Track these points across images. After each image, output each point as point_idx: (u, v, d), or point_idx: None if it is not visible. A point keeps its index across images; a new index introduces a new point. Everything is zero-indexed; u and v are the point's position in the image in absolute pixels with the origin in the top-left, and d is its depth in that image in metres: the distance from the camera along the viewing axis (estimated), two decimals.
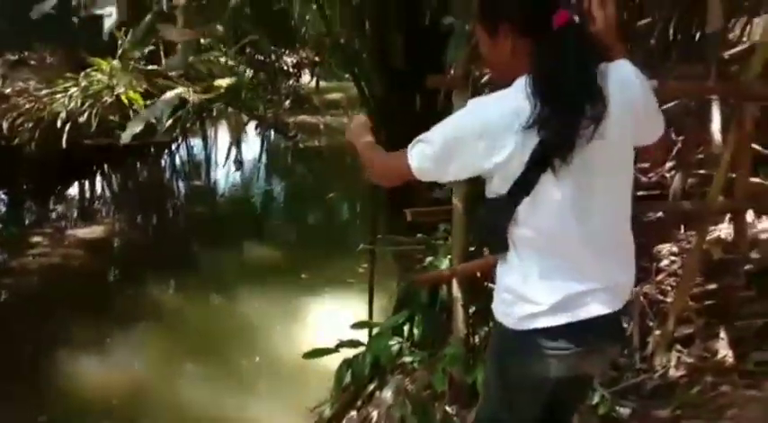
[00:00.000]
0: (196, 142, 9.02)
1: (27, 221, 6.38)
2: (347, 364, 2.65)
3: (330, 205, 6.93)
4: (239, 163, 8.06)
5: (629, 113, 1.36)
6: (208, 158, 8.79)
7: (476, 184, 1.62)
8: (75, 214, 6.64)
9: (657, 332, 2.45)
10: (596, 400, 2.23)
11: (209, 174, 8.42)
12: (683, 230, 3.07)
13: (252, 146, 9.31)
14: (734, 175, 2.13)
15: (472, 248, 2.38)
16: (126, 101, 4.25)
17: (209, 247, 5.92)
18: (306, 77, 8.72)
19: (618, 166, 1.40)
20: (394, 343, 2.56)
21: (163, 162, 8.51)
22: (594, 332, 1.44)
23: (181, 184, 8.14)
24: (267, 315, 4.53)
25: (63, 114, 3.88)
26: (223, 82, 2.83)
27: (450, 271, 2.32)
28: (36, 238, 5.82)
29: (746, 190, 2.15)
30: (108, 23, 2.29)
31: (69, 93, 3.93)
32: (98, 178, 7.62)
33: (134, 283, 5.16)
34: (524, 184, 1.33)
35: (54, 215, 6.55)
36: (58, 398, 3.61)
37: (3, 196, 6.73)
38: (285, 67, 7.62)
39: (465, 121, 1.36)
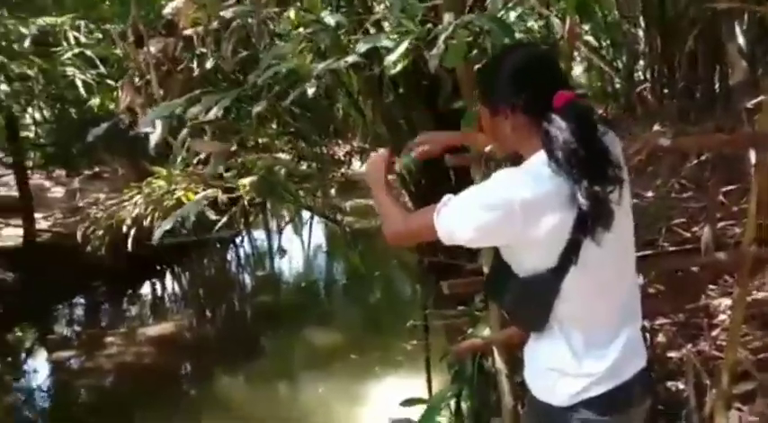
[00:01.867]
0: (259, 233, 9.42)
1: (101, 323, 6.73)
2: None
3: (383, 284, 7.03)
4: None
5: (625, 171, 1.42)
6: (270, 249, 9.13)
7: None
8: (147, 313, 6.96)
9: (713, 391, 2.36)
10: None
11: (273, 263, 8.71)
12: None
13: (312, 233, 9.62)
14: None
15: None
16: (186, 202, 4.53)
17: (273, 335, 6.07)
18: (357, 164, 9.05)
19: (629, 220, 1.45)
20: (443, 419, 2.55)
21: (228, 255, 8.87)
22: (637, 389, 1.46)
23: (245, 276, 8.45)
24: (331, 399, 4.58)
25: (128, 221, 4.17)
26: (245, 181, 3.02)
27: (484, 340, 2.33)
28: (110, 339, 6.12)
29: None
30: (153, 140, 2.53)
31: (134, 200, 4.23)
32: (167, 276, 8.01)
33: (204, 376, 5.33)
34: (571, 255, 1.33)
35: (127, 315, 6.88)
36: None
37: (79, 301, 7.15)
38: (336, 157, 7.93)
39: (504, 191, 1.33)
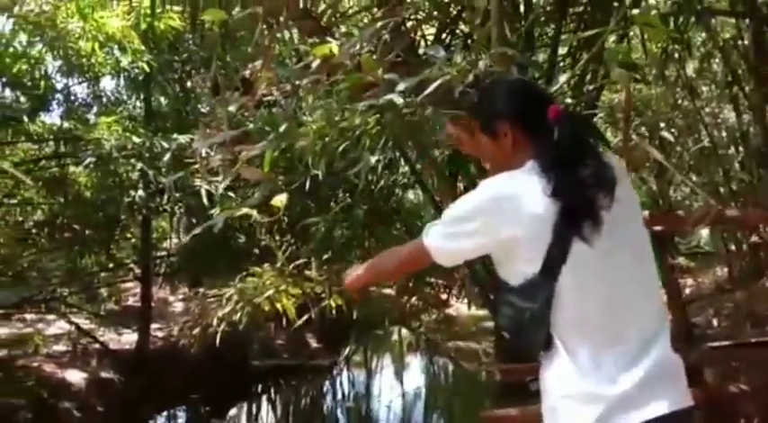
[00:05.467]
0: (358, 367, 9.34)
1: None
2: None
3: None
4: None
5: (631, 190, 1.45)
6: (368, 385, 8.94)
7: None
8: None
9: None
10: None
11: (370, 401, 8.48)
12: None
13: (415, 370, 9.40)
14: None
15: None
16: (280, 308, 4.65)
17: None
18: (460, 306, 8.93)
19: (639, 237, 1.42)
20: None
21: (323, 385, 8.78)
22: None
23: (339, 411, 8.24)
24: None
25: (219, 314, 4.34)
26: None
27: (519, 411, 2.12)
28: None
29: None
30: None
31: (226, 296, 4.42)
32: (263, 397, 8.04)
33: None
34: (558, 251, 1.30)
35: None
36: None
37: (175, 411, 7.28)
38: (440, 295, 7.97)
39: (479, 195, 1.40)
